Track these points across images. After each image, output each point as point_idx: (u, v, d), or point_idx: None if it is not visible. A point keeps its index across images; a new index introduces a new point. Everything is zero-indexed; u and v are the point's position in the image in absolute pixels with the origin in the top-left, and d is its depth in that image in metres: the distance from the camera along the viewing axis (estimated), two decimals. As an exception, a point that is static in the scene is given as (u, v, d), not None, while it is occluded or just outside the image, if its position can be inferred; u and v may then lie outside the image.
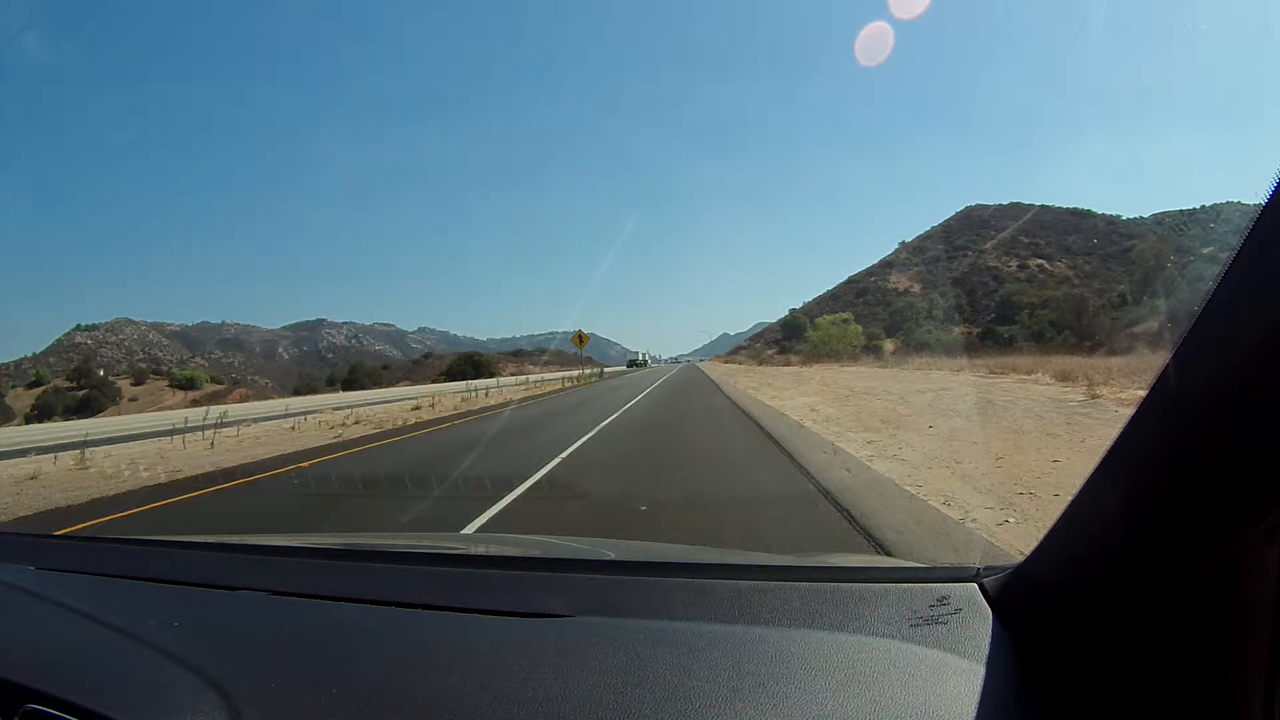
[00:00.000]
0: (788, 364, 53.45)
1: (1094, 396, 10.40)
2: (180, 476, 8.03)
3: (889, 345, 67.20)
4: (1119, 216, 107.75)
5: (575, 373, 46.65)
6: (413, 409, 19.07)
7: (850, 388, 17.87)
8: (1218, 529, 0.53)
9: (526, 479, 6.22)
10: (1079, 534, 0.70)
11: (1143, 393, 0.56)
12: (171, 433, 13.35)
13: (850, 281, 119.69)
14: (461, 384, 39.21)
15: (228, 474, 7.98)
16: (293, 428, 14.71)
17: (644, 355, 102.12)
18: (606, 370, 62.56)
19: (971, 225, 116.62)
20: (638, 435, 10.09)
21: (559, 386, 32.34)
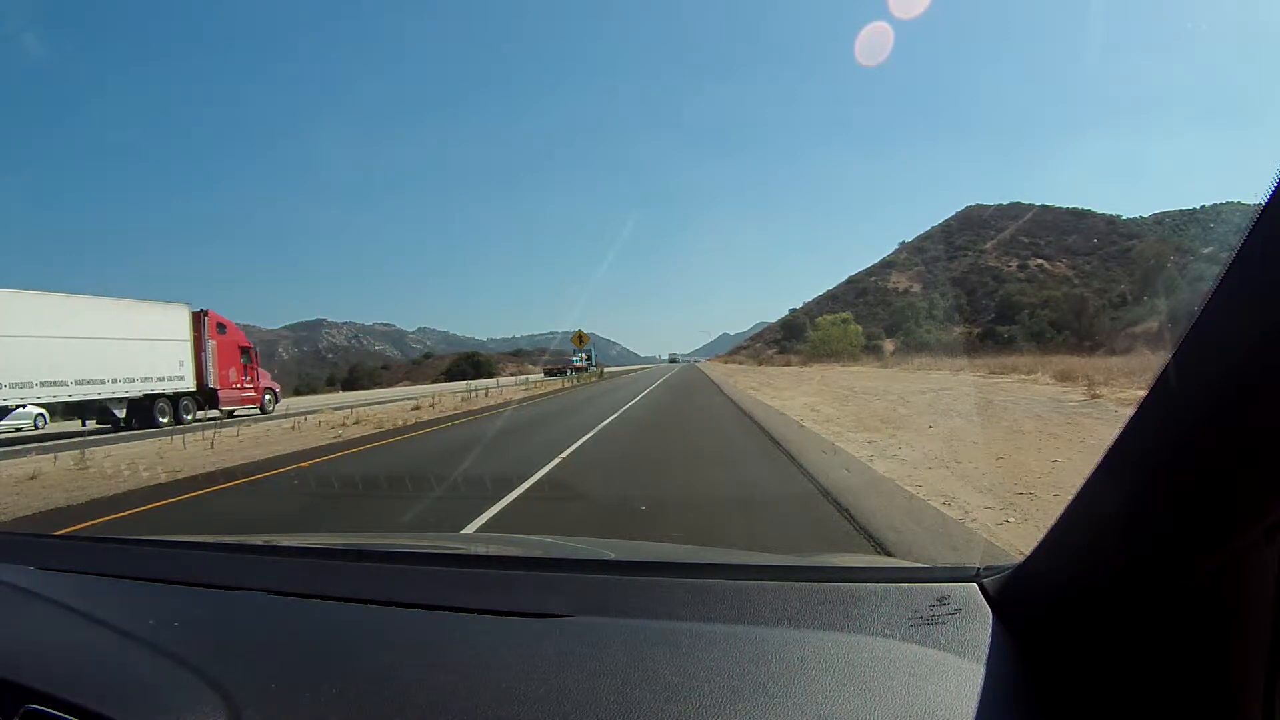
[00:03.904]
0: (788, 364, 53.47)
1: (1094, 396, 10.40)
2: (180, 476, 8.02)
3: (889, 345, 67.27)
4: (1119, 216, 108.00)
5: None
6: (413, 409, 19.06)
7: (850, 388, 17.87)
8: (1218, 529, 0.53)
9: (526, 479, 6.22)
10: (1079, 534, 0.70)
11: (1143, 393, 0.56)
12: (171, 433, 13.35)
13: (850, 281, 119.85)
14: (461, 384, 39.28)
15: (228, 474, 7.98)
16: (293, 428, 14.70)
17: (679, 355, 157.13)
18: (607, 370, 62.85)
19: (971, 225, 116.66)
20: (637, 435, 10.09)
21: (559, 386, 32.34)
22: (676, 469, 6.68)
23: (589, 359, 50.88)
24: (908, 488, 5.03)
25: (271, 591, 1.09)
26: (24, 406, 15.82)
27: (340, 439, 11.83)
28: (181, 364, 18.88)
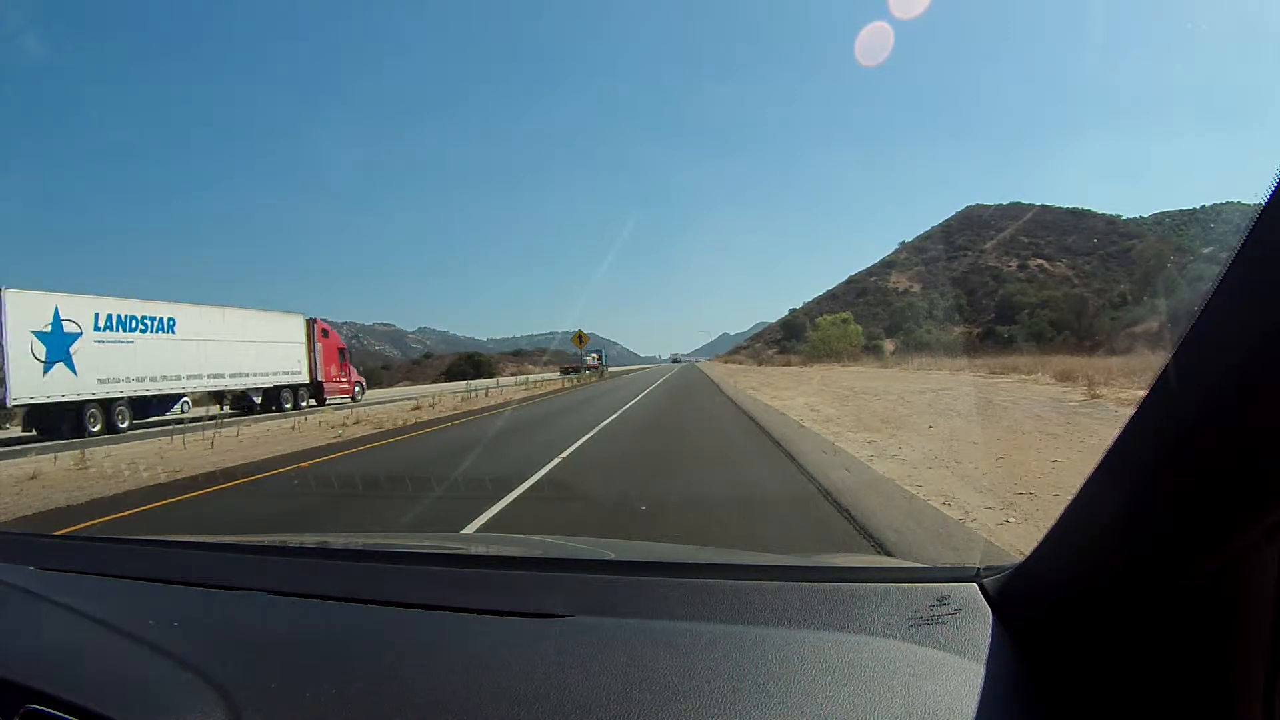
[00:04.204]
0: (788, 364, 53.51)
1: (1094, 396, 10.40)
2: (180, 476, 8.02)
3: (889, 345, 67.34)
4: (1119, 216, 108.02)
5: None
6: (413, 409, 19.04)
7: (850, 388, 17.88)
8: (1217, 529, 0.53)
9: (527, 479, 6.22)
10: (1079, 534, 0.70)
11: (1143, 393, 0.56)
12: (171, 432, 13.35)
13: (850, 281, 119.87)
14: (461, 384, 39.50)
15: (228, 474, 7.98)
16: (293, 427, 14.70)
17: (681, 355, 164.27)
18: (607, 370, 62.62)
19: (971, 225, 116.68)
20: (637, 435, 10.09)
21: (559, 386, 32.34)
22: (676, 469, 6.68)
23: (600, 359, 57.23)
24: (908, 488, 5.03)
25: (271, 591, 1.08)
26: (188, 394, 20.36)
27: (340, 439, 11.83)
28: (299, 361, 24.14)
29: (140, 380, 17.97)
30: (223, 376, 20.72)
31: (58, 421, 16.00)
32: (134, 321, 18.04)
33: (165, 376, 18.77)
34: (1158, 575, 0.59)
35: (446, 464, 7.77)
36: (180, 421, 15.81)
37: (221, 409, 20.71)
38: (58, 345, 15.92)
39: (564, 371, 49.98)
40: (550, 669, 0.78)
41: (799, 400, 14.85)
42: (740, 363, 79.17)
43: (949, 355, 36.42)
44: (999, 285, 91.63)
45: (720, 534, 4.05)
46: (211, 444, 11.69)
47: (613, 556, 1.45)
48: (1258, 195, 0.47)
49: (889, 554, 3.48)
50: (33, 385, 15.29)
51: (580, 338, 39.05)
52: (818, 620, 0.86)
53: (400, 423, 14.57)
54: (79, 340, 16.33)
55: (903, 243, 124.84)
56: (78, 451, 9.93)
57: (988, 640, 0.77)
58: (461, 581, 1.16)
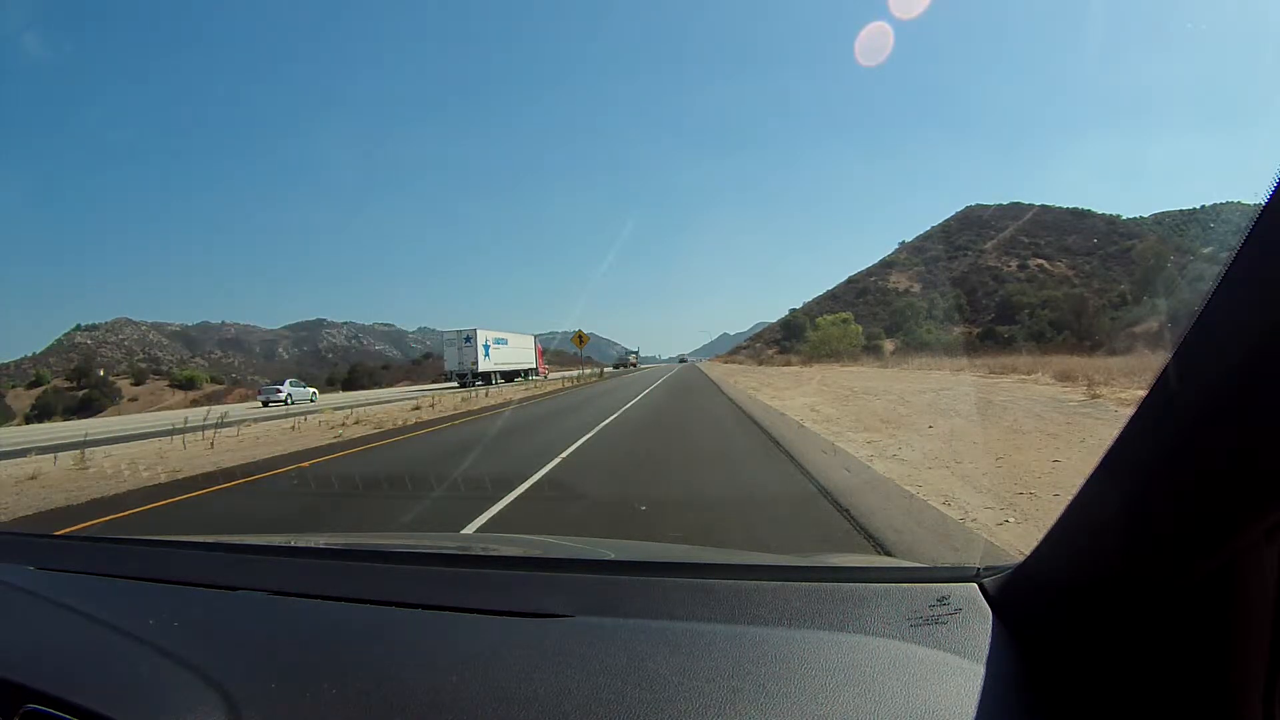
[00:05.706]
0: (788, 364, 53.46)
1: (1094, 396, 10.40)
2: (180, 476, 8.03)
3: (889, 345, 67.32)
4: (1119, 216, 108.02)
5: (575, 373, 47.23)
6: (413, 409, 19.05)
7: (850, 388, 17.88)
8: (1217, 529, 0.53)
9: (526, 479, 6.22)
10: (1079, 534, 0.70)
11: (1143, 393, 0.56)
12: (171, 433, 13.35)
13: (850, 281, 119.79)
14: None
15: (228, 474, 7.98)
16: (293, 427, 14.71)
17: (683, 355, 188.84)
18: (607, 370, 64.34)
19: (971, 225, 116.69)
20: (637, 435, 10.09)
21: (559, 386, 32.38)
22: (676, 469, 6.68)
23: (637, 357, 79.95)
24: (908, 488, 5.03)
25: (271, 591, 1.09)
26: (504, 371, 45.86)
27: (340, 439, 11.83)
28: (531, 358, 52.31)
29: (501, 365, 44.37)
30: (514, 364, 47.15)
31: (476, 380, 38.91)
32: (499, 340, 45.24)
33: (504, 363, 45.34)
34: (1158, 575, 0.59)
35: (446, 464, 7.77)
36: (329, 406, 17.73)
37: (493, 382, 40.99)
38: (485, 350, 42.71)
39: (615, 367, 67.78)
40: (550, 669, 0.78)
41: (799, 400, 14.86)
42: (740, 363, 79.14)
43: (949, 355, 36.39)
44: (999, 285, 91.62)
45: (720, 534, 4.05)
46: (211, 444, 11.69)
47: (613, 556, 1.45)
48: (1258, 195, 0.47)
49: (889, 554, 3.48)
50: (482, 365, 41.88)
51: (580, 338, 39.14)
52: (818, 620, 0.86)
53: (400, 423, 14.57)
54: (490, 348, 43.17)
55: (903, 243, 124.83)
56: (77, 451, 9.94)
57: (988, 640, 0.77)
58: (461, 581, 1.16)
